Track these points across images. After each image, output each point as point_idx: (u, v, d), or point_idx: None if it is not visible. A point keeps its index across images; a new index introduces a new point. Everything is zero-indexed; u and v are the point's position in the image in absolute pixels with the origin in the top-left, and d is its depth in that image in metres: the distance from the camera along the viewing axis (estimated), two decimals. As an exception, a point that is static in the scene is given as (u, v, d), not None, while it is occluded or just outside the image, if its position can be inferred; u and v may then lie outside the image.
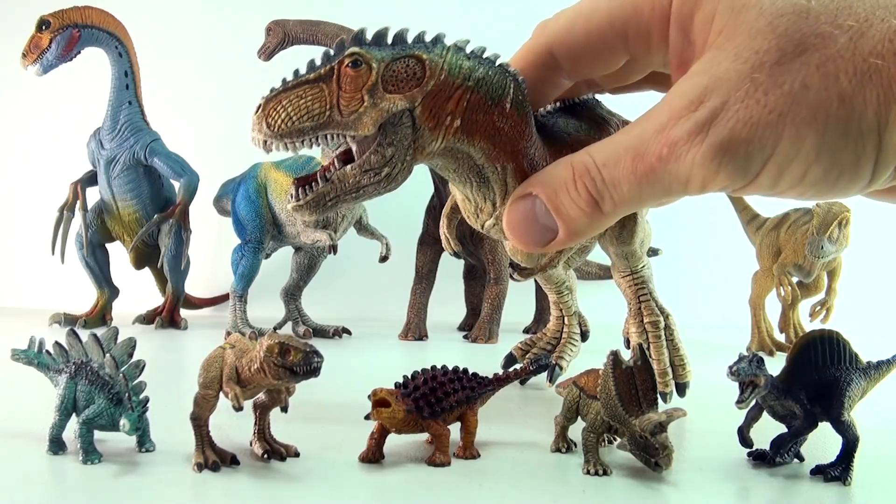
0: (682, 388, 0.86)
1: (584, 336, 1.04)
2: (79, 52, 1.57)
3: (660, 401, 0.63)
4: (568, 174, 0.42)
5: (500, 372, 0.73)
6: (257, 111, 0.48)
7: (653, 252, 1.69)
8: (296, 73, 0.49)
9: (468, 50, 0.50)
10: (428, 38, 0.50)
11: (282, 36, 1.53)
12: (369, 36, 0.49)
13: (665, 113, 0.38)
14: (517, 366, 0.82)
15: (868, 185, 0.36)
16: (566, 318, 1.01)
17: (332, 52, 0.49)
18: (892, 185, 0.37)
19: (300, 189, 0.50)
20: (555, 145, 0.56)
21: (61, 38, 1.52)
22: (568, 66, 0.48)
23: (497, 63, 0.50)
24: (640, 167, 0.38)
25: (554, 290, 0.98)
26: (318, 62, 0.49)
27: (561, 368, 0.99)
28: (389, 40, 0.49)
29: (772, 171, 0.36)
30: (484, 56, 0.50)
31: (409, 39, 0.50)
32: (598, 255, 1.17)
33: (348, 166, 0.50)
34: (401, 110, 0.48)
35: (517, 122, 0.52)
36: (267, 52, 1.55)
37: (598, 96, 0.63)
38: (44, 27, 1.52)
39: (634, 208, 0.41)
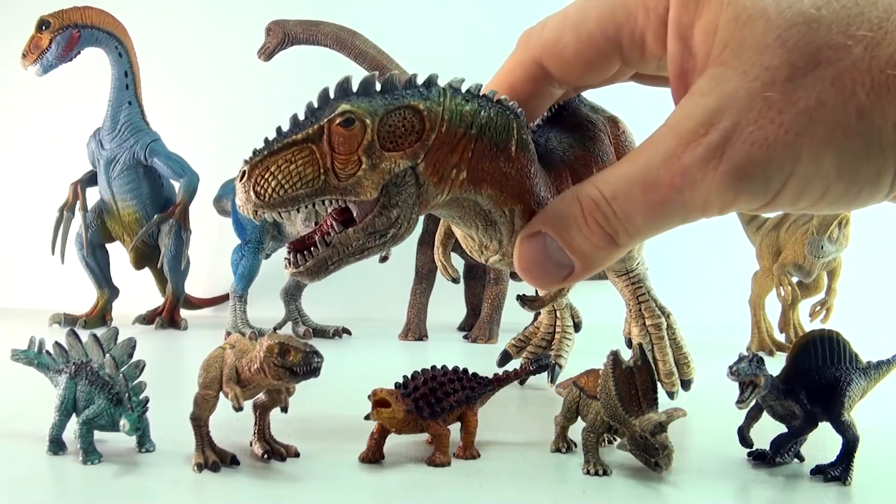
0: (687, 385, 0.86)
1: (577, 327, 1.04)
2: (79, 53, 1.57)
3: (660, 401, 0.63)
4: (576, 210, 0.40)
5: (500, 372, 0.73)
6: (242, 178, 0.44)
7: None
8: (279, 130, 0.45)
9: (464, 90, 0.47)
10: (420, 80, 0.46)
11: (282, 36, 1.53)
12: (355, 84, 0.45)
13: (673, 138, 0.36)
14: (517, 366, 0.81)
15: (887, 196, 0.35)
16: (558, 312, 1.01)
17: (315, 104, 0.45)
18: None
19: (298, 254, 0.46)
20: (554, 168, 0.54)
21: (61, 38, 1.52)
22: (560, 75, 0.46)
23: (495, 101, 0.47)
24: (653, 198, 0.37)
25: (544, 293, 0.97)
26: (301, 116, 0.45)
27: (560, 367, 0.99)
28: (378, 87, 0.45)
29: (791, 192, 0.35)
30: (480, 94, 0.47)
31: (400, 84, 0.46)
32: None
33: (350, 230, 0.46)
34: (403, 170, 0.45)
35: (523, 163, 0.49)
36: (267, 53, 1.55)
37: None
38: (44, 27, 1.52)
39: (651, 236, 0.40)
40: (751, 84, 0.34)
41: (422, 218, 1.70)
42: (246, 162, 0.45)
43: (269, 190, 0.43)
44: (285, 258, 0.47)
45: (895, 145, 0.32)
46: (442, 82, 0.47)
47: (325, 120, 0.44)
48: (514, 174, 0.49)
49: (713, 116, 0.35)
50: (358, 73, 0.47)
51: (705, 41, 0.37)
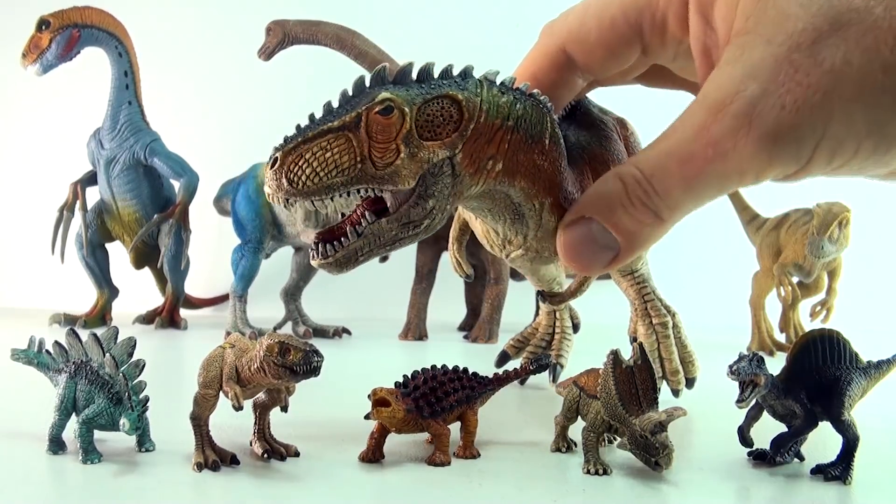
0: (690, 383, 0.87)
1: (576, 328, 1.04)
2: (79, 52, 1.57)
3: (660, 400, 0.63)
4: (620, 189, 0.41)
5: (500, 371, 0.73)
6: (273, 165, 0.43)
7: None
8: (311, 118, 0.44)
9: (499, 82, 0.47)
10: (455, 72, 0.46)
11: (282, 36, 1.52)
12: (391, 74, 0.44)
13: (702, 110, 0.37)
14: (517, 365, 0.81)
15: None
16: (557, 313, 1.01)
17: (350, 92, 0.44)
18: None
19: (327, 245, 0.45)
20: (576, 165, 0.54)
21: (61, 38, 1.52)
22: (583, 62, 0.47)
23: (529, 94, 0.47)
24: (689, 172, 0.37)
25: (546, 287, 0.97)
26: (335, 104, 0.44)
27: (562, 366, 0.99)
28: (414, 76, 0.45)
29: (824, 153, 0.35)
30: (515, 87, 0.47)
31: (436, 74, 0.46)
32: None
33: (384, 220, 0.45)
34: (441, 160, 0.44)
35: (555, 157, 0.49)
36: (267, 52, 1.55)
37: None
38: (44, 27, 1.52)
39: (694, 209, 0.40)
40: (777, 50, 0.35)
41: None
42: (277, 149, 0.43)
43: (304, 177, 0.42)
44: (311, 248, 0.46)
45: None
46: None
47: (364, 107, 0.43)
48: (547, 167, 0.49)
49: (740, 84, 0.35)
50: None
51: (727, 16, 0.37)
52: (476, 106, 0.45)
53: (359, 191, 0.44)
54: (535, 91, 0.48)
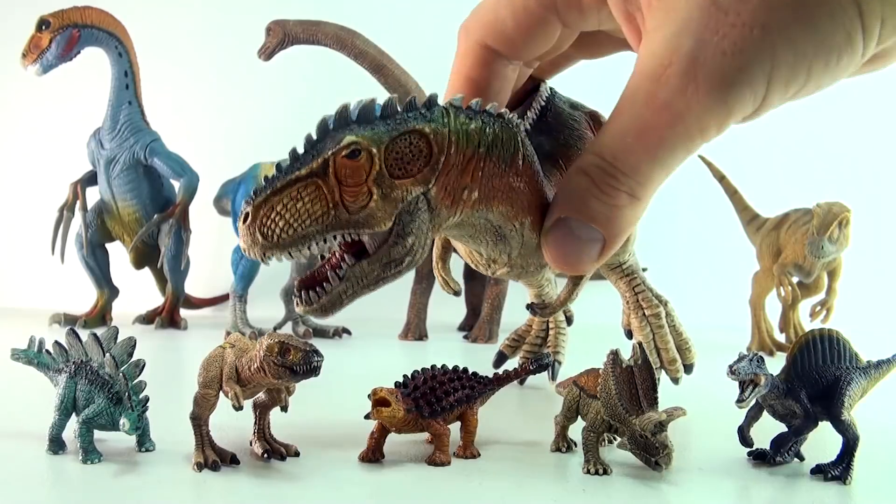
0: (689, 369, 0.87)
1: (569, 321, 1.04)
2: (79, 52, 1.57)
3: (660, 399, 0.63)
4: (586, 182, 0.40)
5: (499, 371, 0.73)
6: (245, 220, 0.42)
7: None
8: (279, 167, 0.43)
9: (464, 108, 0.46)
10: (420, 103, 0.45)
11: (282, 36, 1.52)
12: (354, 112, 0.44)
13: (645, 80, 0.37)
14: (514, 364, 0.82)
15: (863, 56, 0.35)
16: None
17: (314, 136, 0.43)
18: (877, 52, 0.36)
19: (309, 292, 0.45)
20: (552, 173, 0.54)
21: (61, 38, 1.52)
22: (507, 52, 0.46)
23: (497, 115, 0.46)
24: (651, 143, 0.37)
25: (535, 286, 0.97)
26: (300, 150, 0.43)
27: (560, 363, 0.99)
28: (378, 112, 0.44)
29: (779, 84, 0.35)
30: (482, 110, 0.46)
31: (400, 108, 0.44)
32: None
33: (365, 262, 0.45)
34: (415, 196, 0.44)
35: (531, 176, 0.49)
36: (267, 52, 1.55)
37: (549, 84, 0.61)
38: (44, 27, 1.52)
39: (665, 177, 0.40)
40: (699, 1, 0.34)
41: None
42: (248, 203, 0.43)
43: (278, 230, 0.42)
44: (294, 296, 0.46)
45: (853, 1, 0.33)
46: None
47: (330, 153, 0.42)
48: (523, 188, 0.48)
49: (674, 43, 0.35)
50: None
51: None
52: (445, 137, 0.44)
53: (335, 237, 0.43)
54: (503, 111, 0.47)
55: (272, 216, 0.42)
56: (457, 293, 0.77)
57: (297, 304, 0.46)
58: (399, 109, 0.45)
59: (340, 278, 0.45)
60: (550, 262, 0.45)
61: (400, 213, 0.44)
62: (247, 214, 0.43)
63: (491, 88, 0.49)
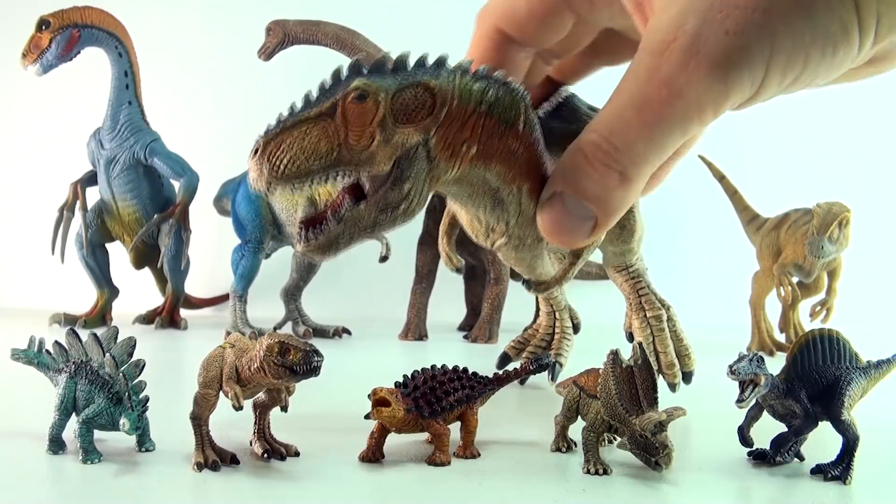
0: (688, 377, 0.87)
1: (576, 329, 1.04)
2: (79, 52, 1.57)
3: (660, 399, 0.63)
4: (581, 159, 0.41)
5: (500, 371, 0.73)
6: (255, 154, 0.45)
7: None
8: (291, 108, 0.46)
9: (473, 70, 0.48)
10: (430, 61, 0.47)
11: (282, 36, 1.52)
12: (367, 64, 0.46)
13: (648, 55, 0.37)
14: (516, 365, 0.81)
15: (859, 52, 0.36)
16: (557, 314, 1.01)
17: (328, 83, 0.46)
18: (876, 54, 0.37)
19: (309, 230, 0.47)
20: (559, 155, 0.55)
21: (61, 38, 1.52)
22: (520, 37, 0.48)
23: (503, 82, 0.48)
24: (647, 118, 0.37)
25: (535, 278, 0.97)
26: (314, 95, 0.46)
27: (561, 365, 0.99)
28: (390, 67, 0.46)
29: (777, 69, 0.35)
30: (489, 75, 0.48)
31: (411, 64, 0.47)
32: (594, 255, 1.17)
33: (362, 204, 0.47)
34: (415, 143, 0.46)
35: (530, 142, 0.50)
36: (267, 52, 1.55)
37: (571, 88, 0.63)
38: (44, 27, 1.52)
39: (659, 160, 0.40)
40: None
41: (421, 218, 1.71)
42: (259, 138, 0.46)
43: (284, 163, 0.44)
44: (296, 234, 0.48)
45: None
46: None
47: (339, 95, 0.45)
48: (522, 152, 0.50)
49: (680, 21, 0.36)
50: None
51: None
52: (448, 92, 0.47)
53: (337, 175, 0.46)
54: (510, 79, 0.49)
55: (280, 150, 0.45)
56: (458, 270, 0.79)
57: (297, 241, 0.48)
58: (409, 66, 0.47)
59: (339, 220, 0.47)
60: (544, 234, 0.47)
61: (399, 157, 0.46)
62: (257, 148, 0.45)
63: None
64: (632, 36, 0.49)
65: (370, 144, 0.45)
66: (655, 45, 0.37)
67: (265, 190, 0.45)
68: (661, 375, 0.85)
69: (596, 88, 0.62)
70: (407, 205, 0.48)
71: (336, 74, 0.46)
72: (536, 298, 1.74)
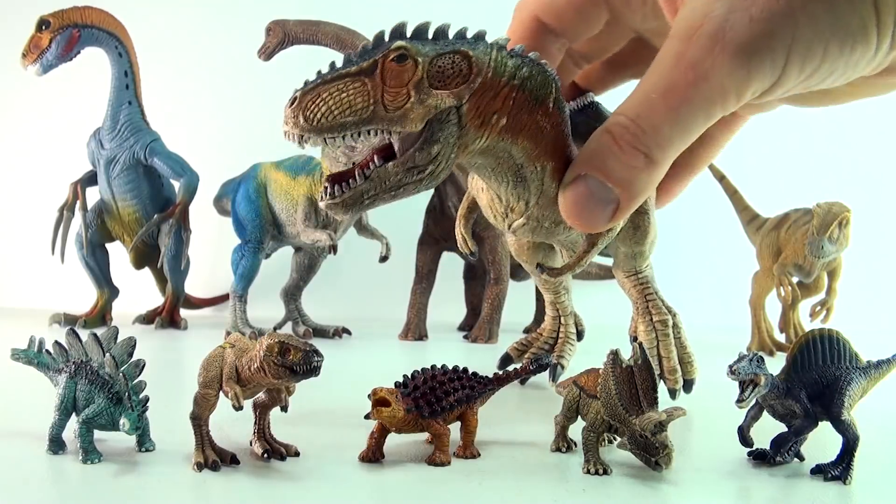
0: (689, 385, 0.87)
1: (580, 336, 1.04)
2: (79, 52, 1.57)
3: (660, 399, 0.63)
4: (608, 140, 0.42)
5: (500, 372, 0.73)
6: (292, 104, 0.46)
7: None
8: (332, 65, 0.47)
9: (509, 48, 0.50)
10: (469, 35, 0.49)
11: (282, 36, 1.52)
12: (409, 30, 0.48)
13: (676, 40, 0.38)
14: (517, 365, 0.81)
15: (876, 52, 0.37)
16: (563, 318, 1.01)
17: (369, 45, 0.47)
18: (892, 64, 0.38)
19: (335, 186, 0.48)
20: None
21: (61, 38, 1.52)
22: (556, 27, 0.50)
23: (537, 63, 0.49)
24: (673, 101, 0.39)
25: (551, 291, 0.98)
26: (353, 57, 0.47)
27: (562, 367, 0.99)
28: (430, 35, 0.48)
29: (796, 58, 0.37)
30: (524, 54, 0.49)
31: (450, 35, 0.49)
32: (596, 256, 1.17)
33: (390, 163, 0.48)
34: (448, 107, 0.47)
35: (558, 121, 0.51)
36: (267, 52, 1.55)
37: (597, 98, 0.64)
38: (44, 27, 1.52)
39: (683, 144, 0.41)
40: None
41: (421, 218, 1.71)
42: (297, 90, 0.46)
43: (319, 115, 0.45)
44: (322, 190, 0.49)
45: None
46: None
47: (380, 55, 0.46)
48: (550, 129, 0.51)
49: (707, 7, 0.37)
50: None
51: None
52: (484, 63, 0.48)
53: (369, 132, 0.46)
54: (543, 61, 0.50)
55: (317, 101, 0.45)
56: (473, 254, 0.80)
57: (322, 197, 0.49)
58: (448, 36, 0.49)
59: (366, 177, 0.48)
60: (565, 216, 0.47)
61: (431, 119, 0.47)
62: (294, 99, 0.46)
63: None
64: (655, 41, 0.51)
65: (405, 104, 0.46)
66: (683, 31, 0.38)
67: (298, 141, 0.46)
68: (662, 380, 0.85)
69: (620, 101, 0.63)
70: (434, 167, 0.48)
71: (378, 38, 0.47)
72: (539, 301, 1.74)
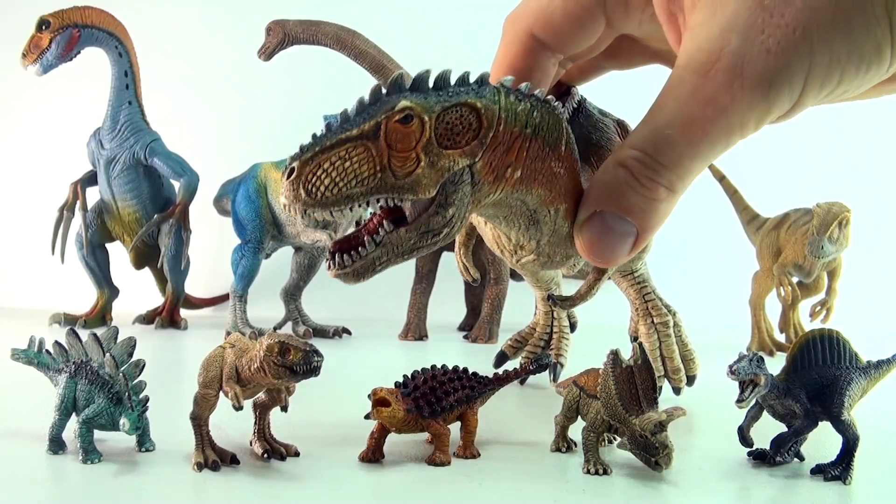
0: (691, 380, 0.87)
1: (573, 327, 1.04)
2: (79, 52, 1.57)
3: (660, 400, 0.63)
4: (625, 175, 0.42)
5: (499, 371, 0.73)
6: (290, 176, 0.42)
7: None
8: (328, 127, 0.43)
9: (513, 89, 0.47)
10: (472, 79, 0.46)
11: (282, 36, 1.52)
12: (408, 82, 0.44)
13: (690, 74, 0.38)
14: (516, 365, 0.81)
15: (889, 69, 0.37)
16: (555, 312, 1.01)
17: (367, 100, 0.43)
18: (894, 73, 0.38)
19: (343, 255, 0.45)
20: (586, 172, 0.55)
21: (61, 38, 1.52)
22: (553, 42, 0.48)
23: (544, 101, 0.47)
24: (694, 137, 0.39)
25: (543, 288, 0.97)
26: (352, 112, 0.43)
27: (562, 366, 0.99)
28: (431, 83, 0.44)
29: (814, 84, 0.37)
30: (530, 94, 0.47)
31: (453, 80, 0.45)
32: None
33: (403, 229, 0.45)
34: (461, 168, 0.44)
35: (571, 163, 0.49)
36: (267, 52, 1.55)
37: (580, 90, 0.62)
38: (44, 27, 1.52)
39: (700, 172, 0.42)
40: (746, 1, 0.37)
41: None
42: (293, 158, 0.43)
43: (323, 188, 0.42)
44: (327, 259, 0.46)
45: (885, 14, 0.35)
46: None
47: (383, 116, 0.42)
48: (563, 174, 0.49)
49: (721, 40, 0.37)
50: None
51: None
52: (495, 114, 0.45)
53: (378, 201, 0.43)
54: (549, 97, 0.48)
55: (318, 174, 0.42)
56: (475, 281, 0.78)
57: (330, 266, 0.45)
58: (451, 83, 0.45)
59: (377, 244, 0.45)
60: (583, 255, 0.46)
61: (445, 182, 0.44)
62: (292, 170, 0.42)
63: (532, 80, 0.50)
64: (651, 44, 0.50)
65: (415, 169, 0.43)
66: (698, 65, 0.38)
67: (301, 216, 0.43)
68: (666, 380, 0.86)
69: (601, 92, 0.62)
70: (449, 230, 0.46)
71: (376, 92, 0.43)
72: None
